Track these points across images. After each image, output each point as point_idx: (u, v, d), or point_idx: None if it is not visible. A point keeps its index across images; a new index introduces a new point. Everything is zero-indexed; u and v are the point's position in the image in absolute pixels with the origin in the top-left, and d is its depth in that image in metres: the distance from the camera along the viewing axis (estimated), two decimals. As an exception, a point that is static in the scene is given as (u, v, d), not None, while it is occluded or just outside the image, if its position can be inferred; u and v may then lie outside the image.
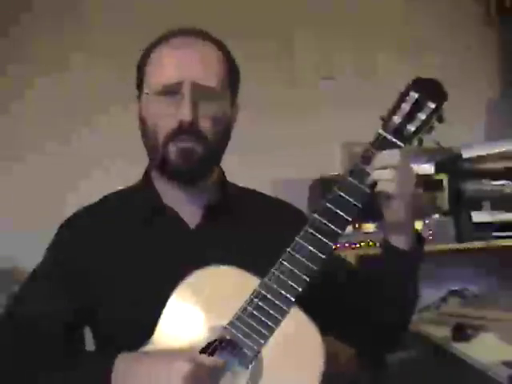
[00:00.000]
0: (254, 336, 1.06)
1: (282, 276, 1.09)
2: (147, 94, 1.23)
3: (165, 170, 1.23)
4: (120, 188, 1.35)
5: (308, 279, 1.08)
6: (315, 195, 2.49)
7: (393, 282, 1.21)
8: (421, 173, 2.34)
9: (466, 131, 2.52)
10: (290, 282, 1.08)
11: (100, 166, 2.47)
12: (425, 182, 2.36)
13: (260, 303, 1.07)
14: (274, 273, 1.09)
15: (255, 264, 1.10)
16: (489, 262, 2.60)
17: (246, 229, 1.26)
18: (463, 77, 2.62)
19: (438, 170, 2.43)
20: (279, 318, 1.07)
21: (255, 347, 1.05)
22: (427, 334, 2.21)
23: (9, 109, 2.49)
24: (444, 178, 2.43)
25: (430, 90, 1.14)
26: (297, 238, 1.11)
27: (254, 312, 1.07)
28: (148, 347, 1.08)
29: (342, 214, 1.11)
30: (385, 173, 1.12)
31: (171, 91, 1.19)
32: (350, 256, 2.22)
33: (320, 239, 1.10)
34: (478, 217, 2.42)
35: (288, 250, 1.10)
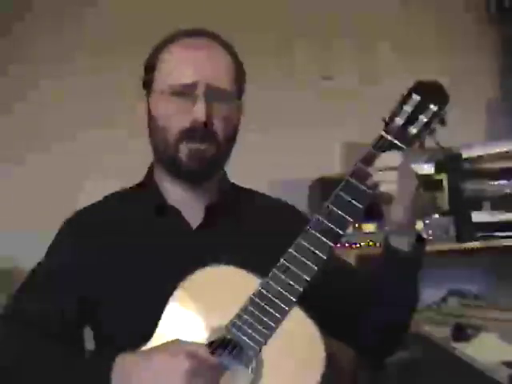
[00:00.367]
0: (255, 335, 1.06)
1: (283, 276, 1.09)
2: (158, 92, 1.23)
3: (174, 169, 1.24)
4: (122, 188, 1.35)
5: (309, 279, 1.09)
6: (315, 195, 2.50)
7: (393, 282, 1.21)
8: (421, 173, 2.34)
9: (466, 131, 2.52)
10: (290, 282, 1.08)
11: (101, 167, 2.47)
12: (425, 182, 2.36)
13: (261, 303, 1.08)
14: (275, 273, 1.09)
15: (256, 264, 1.10)
16: (489, 262, 2.60)
17: (247, 229, 1.26)
18: (463, 77, 2.61)
19: (437, 170, 2.43)
20: (280, 317, 1.07)
21: (256, 347, 1.06)
22: (427, 333, 2.21)
23: (10, 109, 2.49)
24: (444, 178, 2.43)
25: (432, 92, 1.15)
26: (298, 239, 1.11)
27: (255, 312, 1.07)
28: (148, 347, 1.08)
29: (343, 215, 1.11)
30: (386, 174, 1.12)
31: (185, 91, 1.20)
32: (350, 256, 2.22)
33: (321, 240, 1.11)
34: (477, 217, 2.42)
35: (289, 250, 1.10)
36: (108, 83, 2.46)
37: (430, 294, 2.45)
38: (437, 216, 2.41)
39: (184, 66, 1.22)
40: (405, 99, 1.16)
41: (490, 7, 2.71)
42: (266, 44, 2.57)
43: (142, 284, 1.18)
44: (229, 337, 1.07)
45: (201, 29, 1.28)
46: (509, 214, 2.42)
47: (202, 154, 1.21)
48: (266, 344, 1.06)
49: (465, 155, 2.45)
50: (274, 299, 1.08)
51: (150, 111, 1.26)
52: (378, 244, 2.27)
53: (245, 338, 1.06)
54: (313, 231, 1.11)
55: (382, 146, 1.14)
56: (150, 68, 1.26)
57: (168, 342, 1.04)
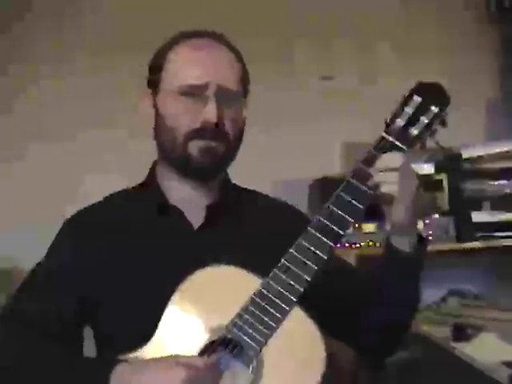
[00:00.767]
0: (256, 335, 1.06)
1: (283, 276, 1.09)
2: (166, 92, 1.24)
3: (183, 167, 1.24)
4: (123, 188, 1.35)
5: (309, 279, 1.09)
6: (315, 195, 2.50)
7: (394, 282, 1.21)
8: (421, 173, 2.34)
9: (466, 131, 2.52)
10: (291, 282, 1.09)
11: (102, 166, 2.47)
12: (425, 182, 2.36)
13: (262, 303, 1.08)
14: (275, 273, 1.09)
15: (257, 264, 1.10)
16: (489, 262, 2.60)
17: (248, 229, 1.26)
18: (463, 77, 2.61)
19: (437, 170, 2.43)
20: (280, 317, 1.07)
21: (256, 346, 1.06)
22: (427, 333, 2.21)
23: (10, 109, 2.49)
24: (444, 178, 2.43)
25: (433, 94, 1.15)
26: (299, 239, 1.11)
27: (256, 311, 1.07)
28: (148, 347, 1.09)
29: (344, 215, 1.12)
30: (387, 175, 1.12)
31: (195, 92, 1.21)
32: (350, 256, 2.22)
33: (322, 240, 1.11)
34: (477, 217, 2.42)
35: (290, 250, 1.11)
36: (108, 83, 2.46)
37: (429, 294, 2.45)
38: (437, 216, 2.42)
39: (194, 66, 1.23)
40: (406, 100, 1.16)
41: (490, 6, 2.71)
42: (265, 44, 2.57)
43: (143, 284, 1.18)
44: (229, 336, 1.08)
45: (205, 30, 1.28)
46: (509, 214, 2.42)
47: (214, 151, 1.22)
48: (266, 344, 1.06)
49: (465, 155, 2.45)
50: (274, 299, 1.08)
51: (156, 110, 1.26)
52: (378, 244, 2.27)
53: (245, 337, 1.06)
54: (313, 231, 1.11)
55: (383, 146, 1.14)
56: (156, 68, 1.27)
57: (163, 357, 1.05)
